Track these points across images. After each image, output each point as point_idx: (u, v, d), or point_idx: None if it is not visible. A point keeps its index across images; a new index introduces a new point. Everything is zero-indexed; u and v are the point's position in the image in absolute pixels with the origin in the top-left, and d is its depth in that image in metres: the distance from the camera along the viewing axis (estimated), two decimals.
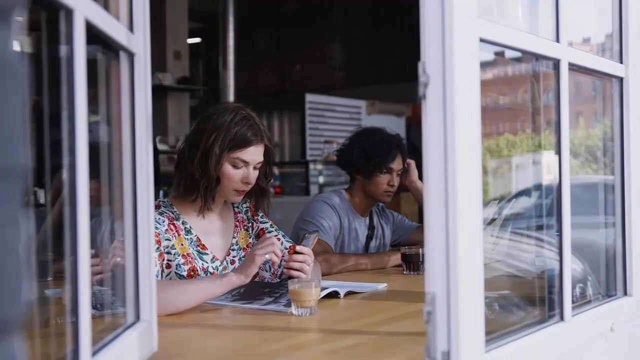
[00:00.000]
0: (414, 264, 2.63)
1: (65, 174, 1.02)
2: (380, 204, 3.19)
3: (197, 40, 10.33)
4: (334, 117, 8.01)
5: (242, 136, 2.17)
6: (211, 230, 2.29)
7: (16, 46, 0.59)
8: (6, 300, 0.56)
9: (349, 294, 2.18)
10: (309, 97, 7.88)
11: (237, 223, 2.38)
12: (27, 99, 0.60)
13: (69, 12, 1.00)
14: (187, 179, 2.20)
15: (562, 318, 1.51)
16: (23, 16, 0.62)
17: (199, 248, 2.22)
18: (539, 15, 1.77)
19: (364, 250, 3.08)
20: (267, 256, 1.97)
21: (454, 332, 1.17)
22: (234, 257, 2.32)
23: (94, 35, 1.12)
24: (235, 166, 2.19)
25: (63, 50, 1.02)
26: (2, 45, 0.56)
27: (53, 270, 1.42)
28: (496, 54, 1.47)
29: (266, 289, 2.13)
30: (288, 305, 1.91)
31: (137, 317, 1.37)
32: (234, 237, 2.35)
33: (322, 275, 2.65)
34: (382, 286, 2.35)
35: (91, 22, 1.07)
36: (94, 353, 1.09)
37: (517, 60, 1.74)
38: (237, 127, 2.17)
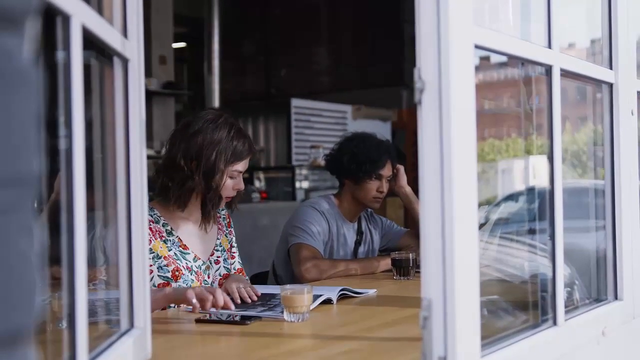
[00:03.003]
0: (404, 269, 2.64)
1: (61, 180, 1.01)
2: (369, 209, 3.19)
3: (182, 44, 10.31)
4: (320, 122, 8.00)
5: (241, 150, 2.29)
6: (194, 232, 2.35)
7: (28, 54, 0.59)
8: (21, 308, 0.56)
9: (342, 297, 2.18)
10: (295, 102, 7.87)
11: (220, 226, 2.46)
12: (39, 106, 0.60)
13: (66, 18, 0.99)
14: (187, 192, 2.25)
15: (555, 322, 1.52)
16: (36, 23, 0.62)
17: (180, 248, 2.28)
18: (530, 20, 1.78)
19: (352, 255, 3.08)
20: (194, 301, 1.90)
21: (451, 337, 1.17)
22: (218, 257, 2.40)
23: (89, 41, 1.12)
24: (232, 177, 2.30)
25: (60, 55, 1.01)
26: (16, 53, 0.56)
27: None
28: (482, 58, 1.48)
29: (258, 301, 2.12)
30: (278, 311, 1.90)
31: (131, 324, 1.36)
32: (218, 239, 2.43)
33: (312, 281, 2.66)
34: (372, 292, 2.35)
35: (87, 28, 1.07)
36: None
37: (503, 65, 1.75)
38: (236, 142, 2.27)
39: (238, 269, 2.47)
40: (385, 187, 3.01)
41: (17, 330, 0.56)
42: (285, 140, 7.90)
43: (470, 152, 1.21)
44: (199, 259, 2.32)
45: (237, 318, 1.89)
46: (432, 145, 1.18)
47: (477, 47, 1.25)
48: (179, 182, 2.24)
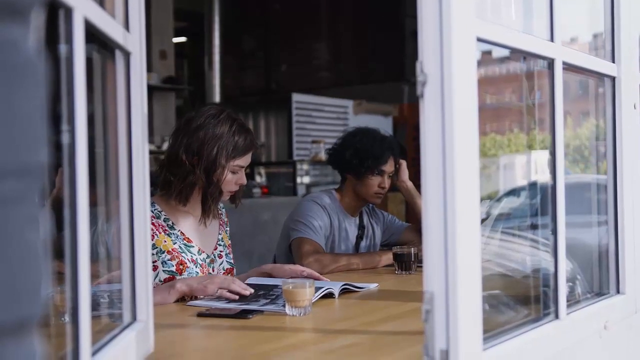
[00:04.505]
0: (405, 263, 2.64)
1: (64, 175, 1.01)
2: (371, 204, 3.19)
3: (182, 39, 10.30)
4: (321, 117, 8.00)
5: (243, 145, 2.30)
6: (196, 227, 2.37)
7: (34, 44, 0.59)
8: (27, 298, 0.56)
9: (344, 292, 2.18)
10: (296, 97, 7.86)
11: (221, 222, 2.49)
12: (46, 97, 0.60)
13: (69, 11, 0.99)
14: (189, 187, 2.27)
15: (557, 316, 1.52)
16: (42, 14, 0.62)
17: (185, 242, 2.30)
18: (532, 14, 1.78)
19: (354, 250, 3.08)
20: (218, 292, 2.05)
21: (453, 330, 1.17)
22: (220, 251, 2.43)
23: (91, 34, 1.11)
24: (233, 172, 2.31)
25: (62, 48, 1.01)
26: (22, 44, 0.56)
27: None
28: (483, 52, 1.48)
29: (260, 291, 2.13)
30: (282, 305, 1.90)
31: (134, 318, 1.36)
32: (220, 234, 2.45)
33: None
34: (374, 286, 2.35)
35: (90, 21, 1.07)
36: (93, 353, 1.08)
37: (505, 59, 1.75)
38: (237, 137, 2.28)
39: (227, 268, 2.47)
40: (387, 183, 3.01)
41: (24, 320, 0.56)
42: (286, 135, 7.90)
43: (472, 145, 1.21)
44: (203, 252, 2.34)
45: (239, 312, 1.89)
46: (434, 138, 1.18)
47: (479, 40, 1.25)
48: (181, 177, 2.25)
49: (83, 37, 1.03)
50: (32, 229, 0.57)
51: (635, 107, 1.86)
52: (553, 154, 1.54)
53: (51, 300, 1.44)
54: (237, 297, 2.03)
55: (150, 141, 7.35)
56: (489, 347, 1.27)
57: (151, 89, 7.56)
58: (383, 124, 7.64)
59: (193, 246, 2.31)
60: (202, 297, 2.07)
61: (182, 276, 2.21)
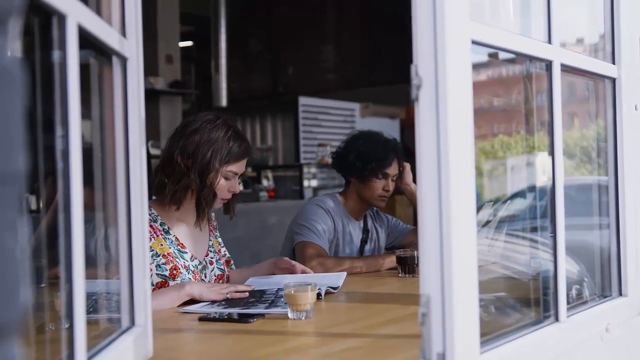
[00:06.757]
0: (409, 266, 2.63)
1: (59, 180, 1.01)
2: (375, 207, 3.19)
3: (188, 43, 10.32)
4: (327, 120, 8.00)
5: (237, 151, 2.32)
6: (189, 233, 2.39)
7: (13, 52, 0.59)
8: (5, 304, 0.56)
9: (327, 293, 2.22)
10: (303, 100, 7.87)
11: (211, 228, 2.51)
12: (24, 104, 0.60)
13: (62, 18, 1.00)
14: (183, 190, 2.28)
15: (557, 319, 1.52)
16: (19, 22, 0.62)
17: (179, 247, 2.32)
18: (531, 16, 1.78)
19: (358, 253, 3.08)
20: (228, 295, 2.13)
21: (449, 333, 1.17)
22: (211, 258, 2.45)
23: (86, 40, 1.12)
24: (226, 178, 2.32)
25: (56, 55, 1.02)
26: (0, 52, 0.56)
27: (47, 276, 1.41)
28: (490, 55, 1.48)
29: (251, 298, 2.13)
30: (286, 306, 1.90)
31: (132, 322, 1.36)
32: (210, 240, 2.48)
33: None
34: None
35: (84, 27, 1.07)
36: (90, 358, 1.09)
37: (511, 61, 1.74)
38: (232, 142, 2.30)
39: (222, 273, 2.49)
40: (391, 186, 3.01)
41: (2, 326, 0.56)
42: (293, 139, 7.91)
43: (467, 149, 1.21)
44: (196, 258, 2.36)
45: (241, 316, 1.89)
46: (429, 141, 1.18)
47: (474, 43, 1.25)
48: (175, 179, 2.27)
49: (77, 44, 1.03)
50: (10, 235, 0.57)
51: (636, 109, 1.86)
52: (552, 155, 1.53)
53: (51, 305, 1.44)
54: (247, 294, 2.14)
55: (157, 146, 7.35)
56: (486, 351, 1.27)
57: (157, 93, 7.56)
58: (390, 127, 7.64)
59: (186, 252, 2.33)
60: (205, 302, 2.08)
61: (175, 281, 2.22)
